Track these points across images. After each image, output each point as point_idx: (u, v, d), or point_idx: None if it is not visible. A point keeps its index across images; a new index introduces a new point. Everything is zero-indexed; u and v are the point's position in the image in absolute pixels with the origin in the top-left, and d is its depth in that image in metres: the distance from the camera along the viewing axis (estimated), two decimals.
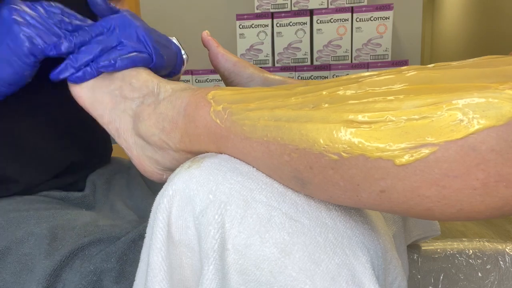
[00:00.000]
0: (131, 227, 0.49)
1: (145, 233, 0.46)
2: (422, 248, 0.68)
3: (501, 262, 0.65)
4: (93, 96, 0.41)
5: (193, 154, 0.37)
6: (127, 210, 0.55)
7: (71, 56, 0.41)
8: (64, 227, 0.46)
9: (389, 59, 1.80)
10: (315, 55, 1.85)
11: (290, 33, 1.84)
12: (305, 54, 1.86)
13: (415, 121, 0.24)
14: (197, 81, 1.95)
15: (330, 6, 1.81)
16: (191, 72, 1.95)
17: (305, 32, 1.84)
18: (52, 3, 0.43)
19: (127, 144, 0.41)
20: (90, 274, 0.42)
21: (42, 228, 0.45)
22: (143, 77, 0.41)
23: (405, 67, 0.29)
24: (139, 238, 0.46)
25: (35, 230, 0.44)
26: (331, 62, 1.84)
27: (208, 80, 1.94)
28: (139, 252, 0.45)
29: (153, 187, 0.64)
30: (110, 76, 0.41)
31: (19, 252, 0.43)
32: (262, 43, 1.87)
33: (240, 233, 0.28)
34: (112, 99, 0.41)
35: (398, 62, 1.75)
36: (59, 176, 0.56)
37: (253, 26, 1.85)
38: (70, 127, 0.56)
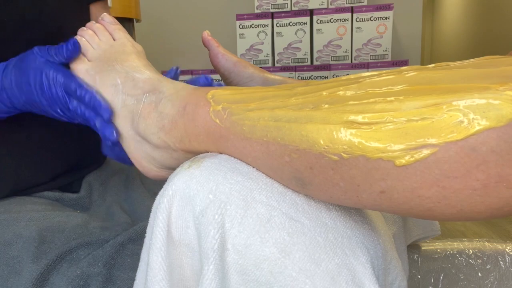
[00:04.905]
0: (121, 229, 0.48)
1: (135, 235, 0.47)
2: (422, 248, 0.68)
3: (501, 262, 0.65)
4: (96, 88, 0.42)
5: (192, 153, 0.36)
6: (122, 212, 0.55)
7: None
8: (53, 230, 0.45)
9: (389, 59, 1.80)
10: (315, 55, 1.85)
11: (290, 33, 1.84)
12: (305, 54, 1.86)
13: (415, 122, 0.23)
14: None
15: (330, 6, 1.81)
16: (191, 72, 1.95)
17: (305, 32, 1.84)
18: None
19: (125, 140, 0.41)
20: (77, 279, 0.42)
21: (31, 230, 0.45)
22: (146, 74, 0.41)
23: (405, 67, 0.28)
24: (128, 241, 0.46)
25: (24, 233, 0.44)
26: (331, 62, 1.84)
27: None
28: (128, 256, 0.45)
29: (151, 189, 0.63)
30: (113, 68, 0.41)
31: (7, 255, 0.43)
32: (262, 43, 1.87)
33: (240, 233, 0.28)
34: (114, 94, 0.41)
35: (398, 62, 1.75)
36: (55, 178, 0.56)
37: (253, 26, 1.85)
38: (67, 128, 0.56)
